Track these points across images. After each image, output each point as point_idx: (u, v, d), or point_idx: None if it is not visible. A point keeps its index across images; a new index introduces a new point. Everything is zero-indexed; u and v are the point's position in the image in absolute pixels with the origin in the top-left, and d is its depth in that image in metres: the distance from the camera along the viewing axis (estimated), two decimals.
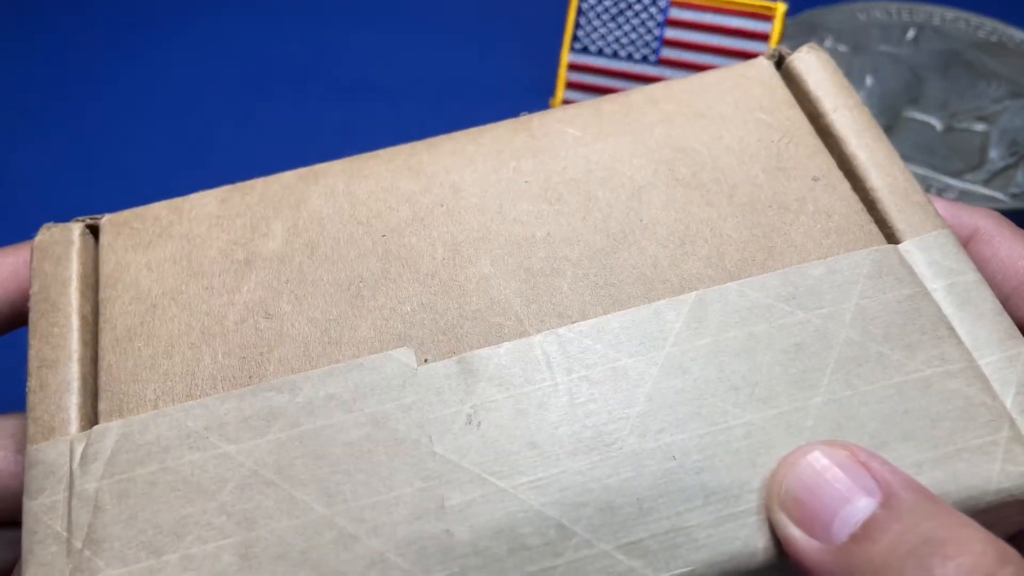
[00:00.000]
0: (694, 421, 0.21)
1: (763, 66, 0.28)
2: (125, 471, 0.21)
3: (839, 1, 0.53)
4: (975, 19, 0.51)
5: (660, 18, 0.44)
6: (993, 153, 0.45)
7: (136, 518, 0.20)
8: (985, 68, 0.49)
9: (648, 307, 0.23)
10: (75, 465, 0.21)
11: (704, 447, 0.20)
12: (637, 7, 0.44)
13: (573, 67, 0.45)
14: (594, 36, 0.45)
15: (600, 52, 0.46)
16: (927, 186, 0.44)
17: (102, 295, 0.24)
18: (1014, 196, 0.44)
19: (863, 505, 0.18)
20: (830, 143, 0.26)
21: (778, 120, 0.26)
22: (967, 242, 0.25)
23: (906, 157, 0.45)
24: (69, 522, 0.20)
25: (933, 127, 0.47)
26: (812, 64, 0.27)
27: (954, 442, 0.20)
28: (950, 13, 0.52)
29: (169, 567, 0.20)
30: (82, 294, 0.24)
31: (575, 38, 0.45)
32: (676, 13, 0.44)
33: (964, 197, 0.44)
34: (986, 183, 0.44)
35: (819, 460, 0.19)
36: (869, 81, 0.49)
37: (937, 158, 0.45)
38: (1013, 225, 0.25)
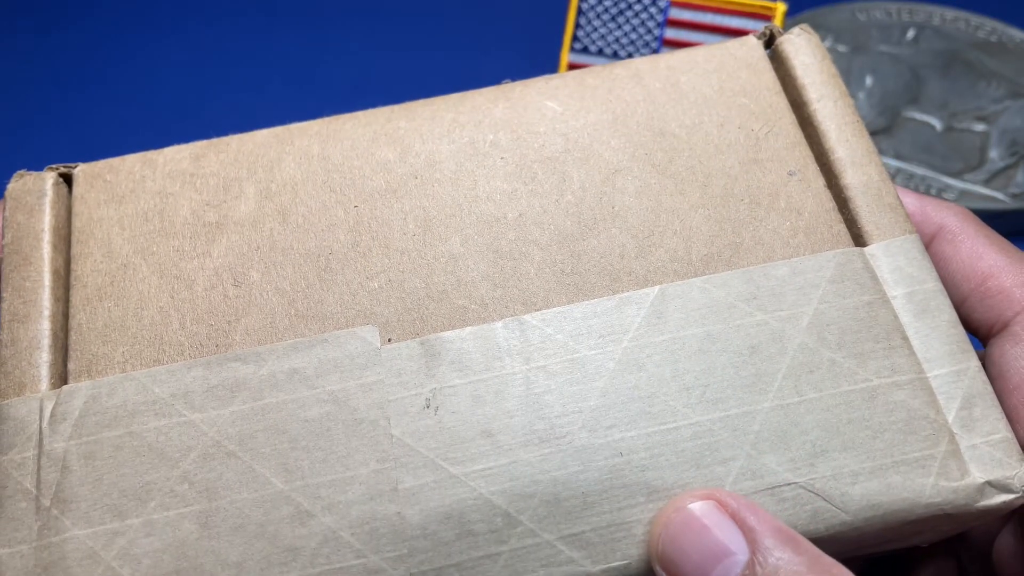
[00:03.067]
0: (644, 419, 0.21)
1: (752, 46, 0.27)
2: (93, 433, 0.22)
3: (839, 1, 0.52)
4: (975, 19, 0.51)
5: (660, 18, 0.43)
6: (993, 153, 0.45)
7: (102, 480, 0.21)
8: (985, 68, 0.49)
9: (611, 299, 0.23)
10: (44, 424, 0.22)
11: (651, 446, 0.21)
12: (637, 7, 0.43)
13: (573, 67, 0.45)
14: (594, 36, 0.44)
15: (600, 52, 0.45)
16: (927, 186, 0.44)
17: (74, 250, 0.25)
18: (1014, 196, 0.44)
19: (733, 563, 0.18)
20: (810, 134, 0.26)
21: (761, 107, 0.26)
22: (932, 239, 0.25)
23: (906, 157, 0.45)
24: (38, 480, 0.21)
25: (933, 127, 0.47)
26: (802, 47, 0.27)
27: (892, 454, 0.21)
28: (950, 13, 0.51)
29: (132, 530, 0.21)
30: (54, 247, 0.24)
31: (575, 38, 0.45)
32: (676, 13, 0.43)
33: (964, 197, 0.44)
34: (986, 183, 0.44)
35: (690, 517, 0.19)
36: (869, 81, 0.48)
37: (937, 158, 0.45)
38: (979, 223, 0.25)
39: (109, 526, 0.21)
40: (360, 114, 0.27)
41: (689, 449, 0.21)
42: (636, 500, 0.21)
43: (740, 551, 0.18)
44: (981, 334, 0.25)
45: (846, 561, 0.19)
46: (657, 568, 0.19)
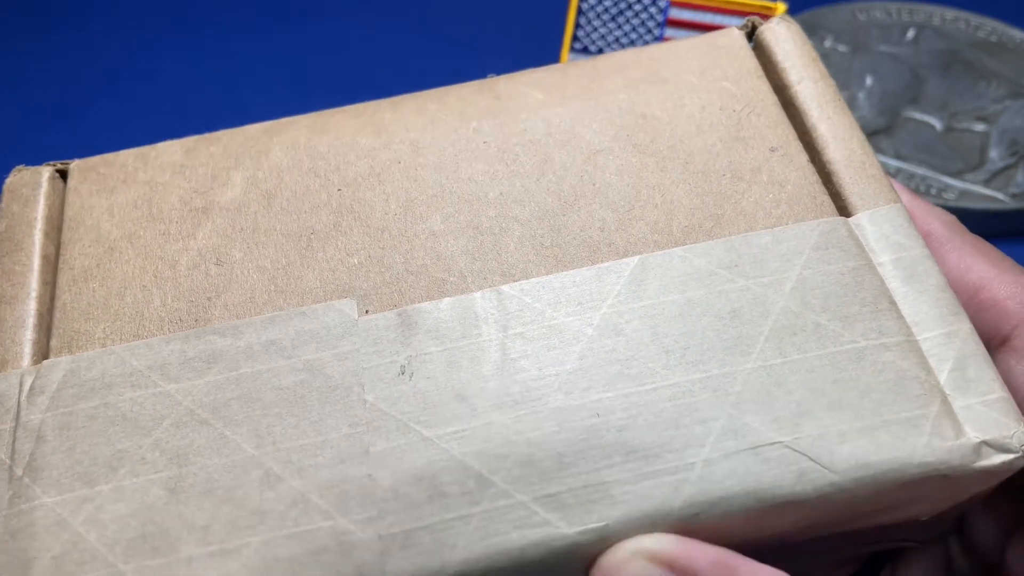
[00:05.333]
0: (621, 381, 0.21)
1: (734, 36, 0.28)
2: (69, 405, 0.22)
3: (839, 1, 0.52)
4: (975, 19, 0.51)
5: (660, 18, 0.44)
6: (993, 153, 0.45)
7: (75, 449, 0.21)
8: (985, 68, 0.49)
9: (591, 269, 0.23)
10: (23, 397, 0.22)
11: (629, 406, 0.20)
12: (637, 7, 0.43)
13: None
14: (594, 36, 0.45)
15: (600, 52, 0.46)
16: (927, 186, 0.43)
17: (64, 236, 0.25)
18: (1014, 196, 0.43)
19: None
20: (792, 115, 0.26)
21: (743, 90, 0.26)
22: None
23: (906, 157, 0.45)
24: (13, 450, 0.21)
25: (933, 127, 0.47)
26: (782, 35, 0.27)
27: (881, 414, 0.20)
28: (950, 13, 0.51)
29: (101, 496, 0.20)
30: (46, 235, 0.25)
31: (575, 38, 0.45)
32: (676, 13, 0.43)
33: (964, 197, 0.43)
34: (986, 183, 0.44)
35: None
36: (869, 81, 0.48)
37: (937, 158, 0.45)
38: (966, 232, 0.25)
39: (78, 493, 0.20)
40: (348, 108, 0.27)
41: (668, 409, 0.20)
42: (613, 460, 0.20)
43: None
44: None
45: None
46: None
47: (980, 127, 0.46)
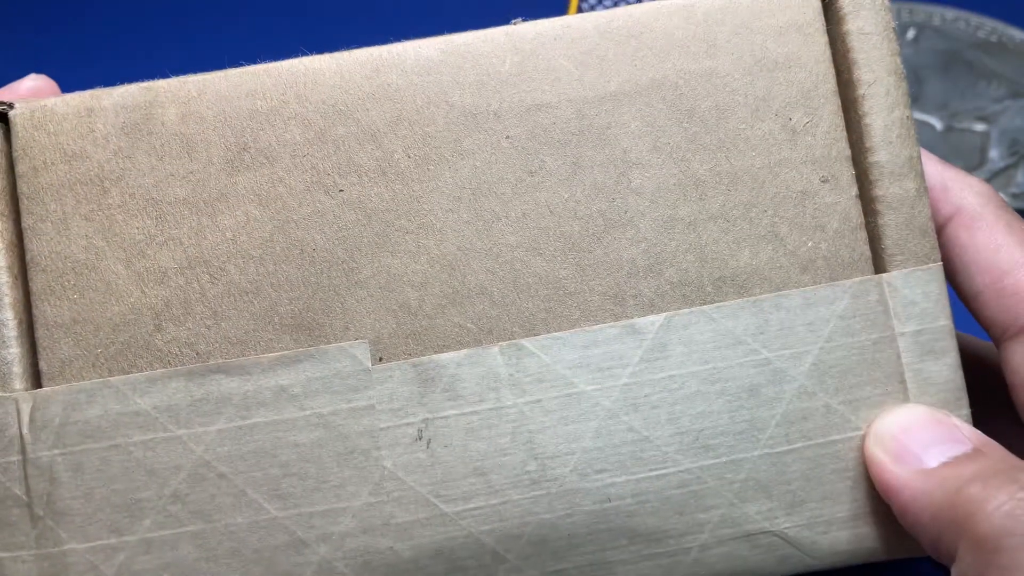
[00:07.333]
0: (634, 464, 0.21)
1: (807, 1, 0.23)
2: (77, 444, 0.21)
3: None
4: (975, 19, 0.50)
5: None
6: (993, 153, 0.46)
7: (93, 495, 0.21)
8: (985, 68, 0.48)
9: (614, 326, 0.22)
10: (25, 430, 0.21)
11: (638, 492, 0.21)
12: None
13: None
14: None
15: None
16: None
17: (25, 223, 0.22)
18: (1014, 196, 0.44)
19: (958, 447, 0.21)
20: (852, 122, 0.23)
21: (804, 89, 0.23)
22: (948, 221, 0.24)
23: None
24: (27, 487, 0.21)
25: (933, 127, 0.47)
26: (864, 6, 0.23)
27: (869, 504, 0.22)
28: (950, 13, 0.50)
29: (129, 547, 0.21)
30: (5, 216, 0.22)
31: None
32: None
33: None
34: (986, 183, 0.43)
35: (924, 411, 0.22)
36: None
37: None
38: (1000, 205, 0.23)
39: (107, 542, 0.21)
40: (345, 58, 0.23)
41: (675, 496, 0.22)
42: (619, 543, 0.21)
43: (966, 446, 0.21)
44: (994, 333, 0.24)
45: None
46: (872, 447, 0.22)
47: (980, 127, 0.46)
